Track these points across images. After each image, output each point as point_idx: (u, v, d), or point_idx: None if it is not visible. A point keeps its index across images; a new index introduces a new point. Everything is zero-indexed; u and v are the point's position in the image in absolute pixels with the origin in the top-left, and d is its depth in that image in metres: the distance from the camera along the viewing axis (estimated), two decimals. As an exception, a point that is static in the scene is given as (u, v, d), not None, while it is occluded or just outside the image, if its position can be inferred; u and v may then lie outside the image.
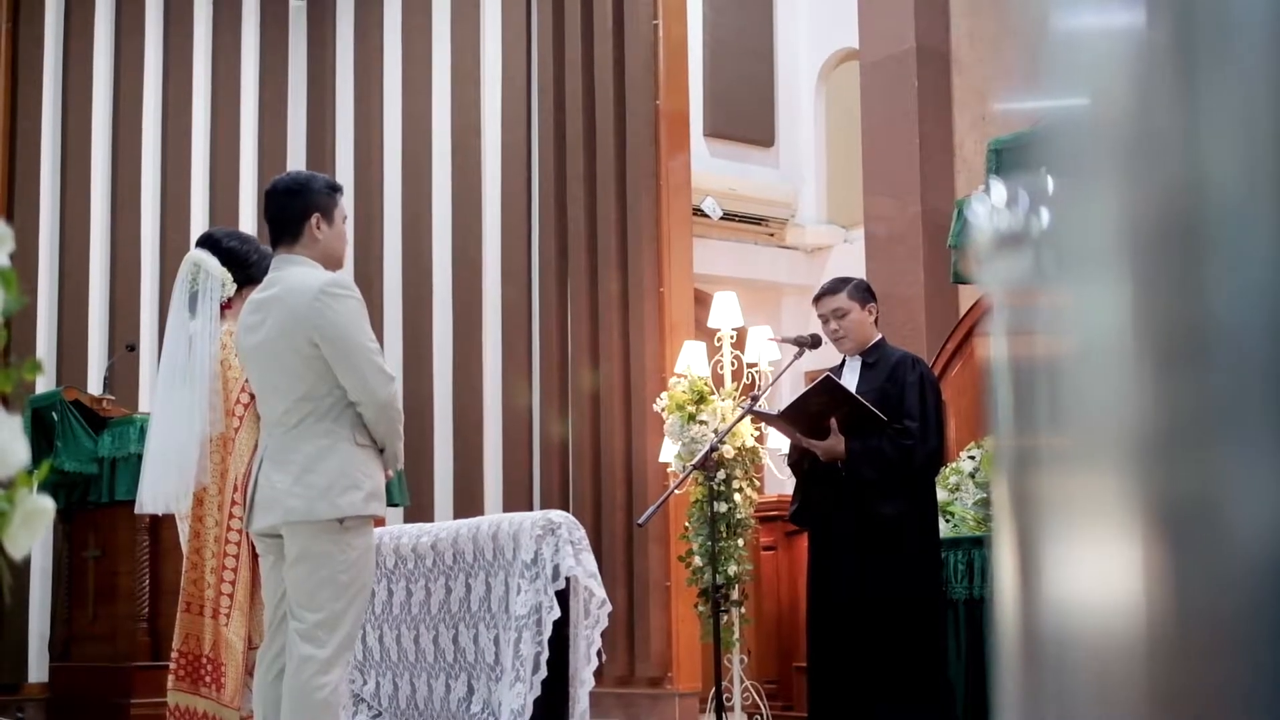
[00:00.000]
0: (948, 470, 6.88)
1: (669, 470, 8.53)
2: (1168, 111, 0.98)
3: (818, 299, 6.03)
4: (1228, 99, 0.95)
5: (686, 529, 8.13)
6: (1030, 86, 1.09)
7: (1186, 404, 0.98)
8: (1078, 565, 1.08)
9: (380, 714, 6.84)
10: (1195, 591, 0.98)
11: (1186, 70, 0.97)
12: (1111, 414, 1.02)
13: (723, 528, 7.78)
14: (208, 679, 5.47)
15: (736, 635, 7.92)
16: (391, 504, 7.34)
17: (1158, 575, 1.00)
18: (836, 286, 5.99)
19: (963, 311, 8.69)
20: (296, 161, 10.63)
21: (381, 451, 4.62)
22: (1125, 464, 1.01)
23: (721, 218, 12.45)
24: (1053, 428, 1.12)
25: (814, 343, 6.18)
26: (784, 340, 6.59)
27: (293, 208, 4.69)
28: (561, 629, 5.91)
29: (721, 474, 7.80)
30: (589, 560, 6.02)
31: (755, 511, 8.12)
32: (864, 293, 5.98)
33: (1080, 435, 1.07)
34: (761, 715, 7.96)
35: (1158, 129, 0.98)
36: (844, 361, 6.04)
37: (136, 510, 5.72)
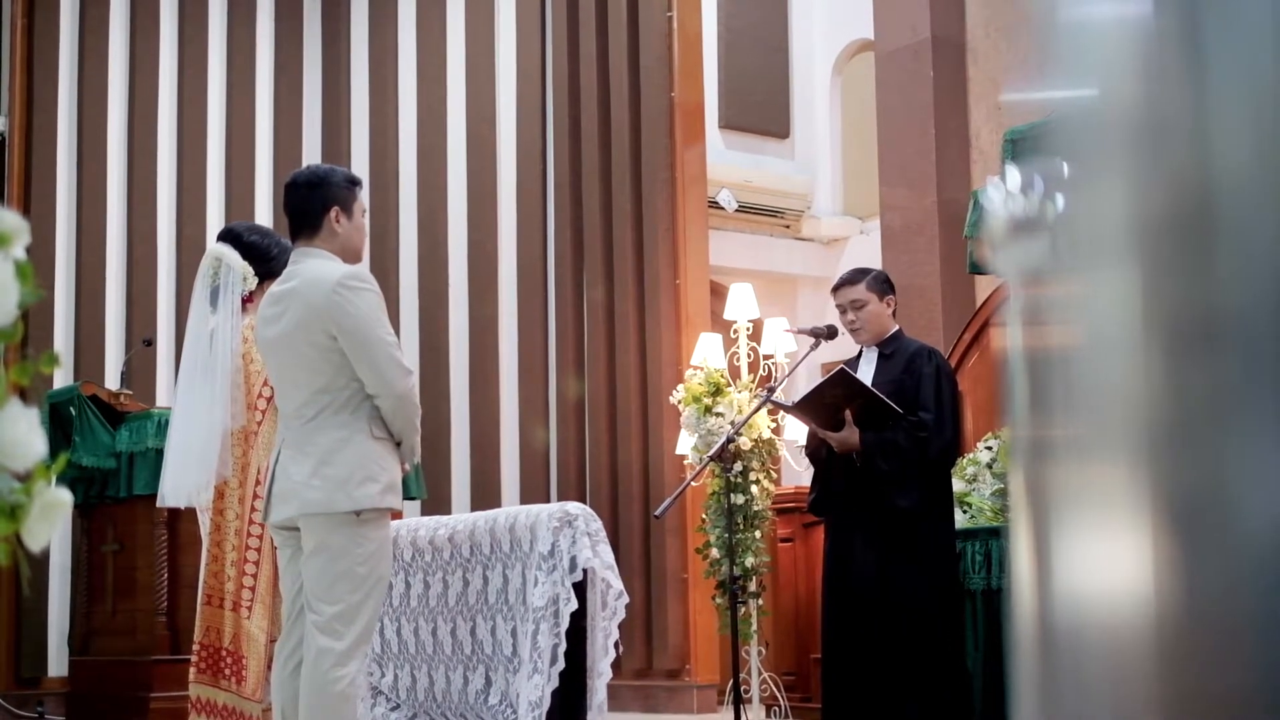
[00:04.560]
0: (965, 461, 6.87)
1: (686, 462, 8.53)
2: (1176, 100, 0.97)
3: (836, 289, 6.03)
4: (1235, 87, 0.95)
5: (703, 521, 8.13)
6: (1040, 76, 1.09)
7: (1197, 392, 0.97)
8: (1090, 555, 1.08)
9: (398, 706, 6.86)
10: (1207, 580, 0.98)
11: (1194, 59, 0.97)
12: (1122, 403, 1.02)
13: (740, 519, 7.78)
14: (228, 671, 5.48)
15: (754, 627, 7.92)
16: (409, 497, 7.36)
17: (1169, 564, 1.00)
18: (855, 277, 5.99)
19: (979, 302, 8.68)
20: (312, 155, 10.65)
21: (399, 445, 4.62)
22: (1136, 453, 1.01)
23: (737, 210, 12.44)
24: (1065, 417, 1.12)
25: (829, 334, 6.17)
26: (799, 332, 6.59)
27: (312, 201, 4.69)
28: (579, 621, 5.92)
29: (738, 466, 7.80)
30: (606, 552, 6.02)
31: (772, 503, 8.12)
32: (883, 284, 5.97)
33: (1091, 424, 1.06)
34: (779, 707, 7.96)
35: (1166, 117, 0.98)
36: (861, 353, 6.04)
37: (158, 504, 5.74)
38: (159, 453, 5.89)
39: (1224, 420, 0.96)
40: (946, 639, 5.72)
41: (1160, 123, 0.98)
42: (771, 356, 8.38)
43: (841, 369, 5.75)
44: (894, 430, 5.70)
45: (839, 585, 5.83)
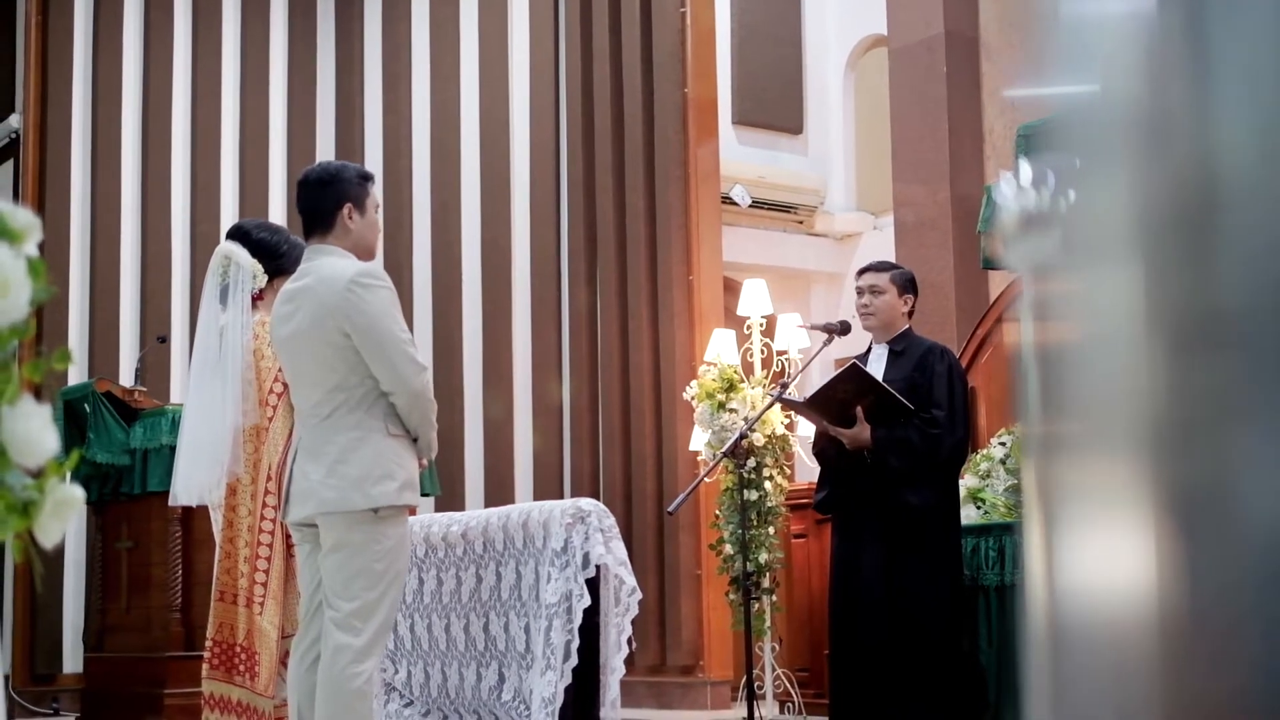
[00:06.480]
0: (979, 456, 6.87)
1: (699, 458, 8.53)
2: (1180, 96, 0.97)
3: (862, 271, 6.14)
4: (1239, 84, 0.94)
5: (717, 517, 8.13)
6: (1045, 72, 1.08)
7: (1201, 390, 0.97)
8: (1096, 551, 1.08)
9: (412, 702, 6.86)
10: (1210, 577, 0.97)
11: (1198, 55, 0.96)
12: (1126, 400, 1.01)
13: (753, 515, 7.78)
14: (241, 668, 5.49)
15: (768, 623, 7.92)
16: (423, 493, 7.36)
17: (1173, 561, 1.00)
18: (883, 267, 6.14)
19: (993, 297, 8.67)
20: (326, 152, 10.67)
21: (415, 441, 4.62)
22: (1140, 450, 1.01)
23: (750, 205, 12.43)
24: (1070, 413, 1.12)
25: (843, 329, 6.19)
26: (813, 327, 6.60)
27: (325, 198, 4.69)
28: (592, 617, 5.92)
29: (752, 462, 7.80)
30: (619, 548, 6.03)
31: (786, 499, 8.11)
32: (906, 282, 6.06)
33: (1095, 421, 1.06)
34: (793, 703, 7.96)
35: (1170, 114, 0.97)
36: (870, 349, 6.06)
37: (170, 502, 5.75)
38: (173, 450, 5.90)
39: (1228, 418, 0.96)
40: (954, 636, 5.72)
41: (1164, 119, 0.97)
42: (785, 352, 8.37)
43: (853, 364, 5.76)
44: (906, 427, 5.71)
45: (847, 583, 5.83)
